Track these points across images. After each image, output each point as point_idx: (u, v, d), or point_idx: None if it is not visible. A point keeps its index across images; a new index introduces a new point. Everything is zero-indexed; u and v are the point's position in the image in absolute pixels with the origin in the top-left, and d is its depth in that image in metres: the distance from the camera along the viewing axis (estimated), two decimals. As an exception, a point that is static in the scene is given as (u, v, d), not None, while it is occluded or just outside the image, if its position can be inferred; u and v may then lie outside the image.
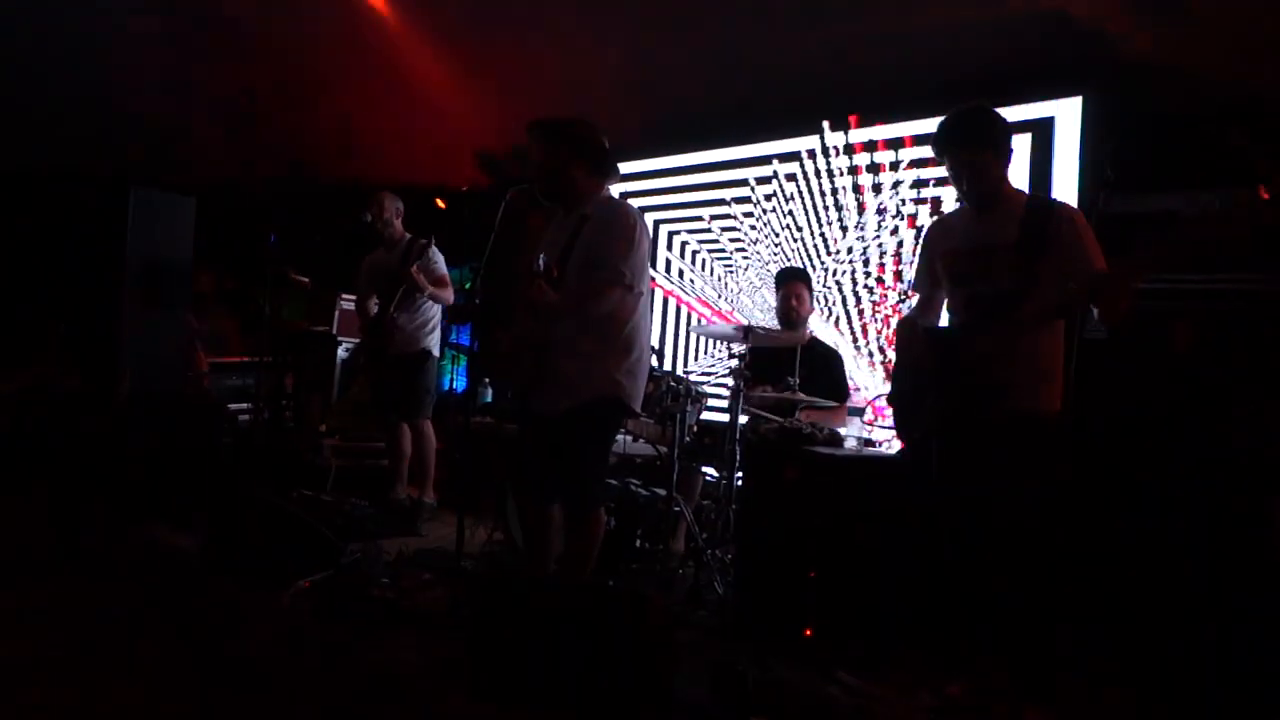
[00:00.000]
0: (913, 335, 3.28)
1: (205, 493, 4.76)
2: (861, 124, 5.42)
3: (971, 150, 2.98)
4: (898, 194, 5.22)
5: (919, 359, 3.18)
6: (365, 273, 5.50)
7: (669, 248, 6.52)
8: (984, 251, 3.00)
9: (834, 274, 5.48)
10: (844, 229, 5.47)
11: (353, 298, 6.85)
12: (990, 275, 2.98)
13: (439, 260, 5.25)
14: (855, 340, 5.35)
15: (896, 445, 4.51)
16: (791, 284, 4.75)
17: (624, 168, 6.55)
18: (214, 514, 4.17)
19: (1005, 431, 2.90)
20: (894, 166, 5.24)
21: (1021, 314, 2.86)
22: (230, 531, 4.05)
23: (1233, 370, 3.29)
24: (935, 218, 3.32)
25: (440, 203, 5.67)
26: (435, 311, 5.34)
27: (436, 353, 5.39)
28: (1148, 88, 4.30)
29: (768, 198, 5.89)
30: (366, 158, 7.75)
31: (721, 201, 6.19)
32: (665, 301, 6.49)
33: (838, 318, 5.45)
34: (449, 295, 5.23)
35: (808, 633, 3.45)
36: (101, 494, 4.88)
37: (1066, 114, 4.30)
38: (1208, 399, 3.29)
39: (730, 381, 4.23)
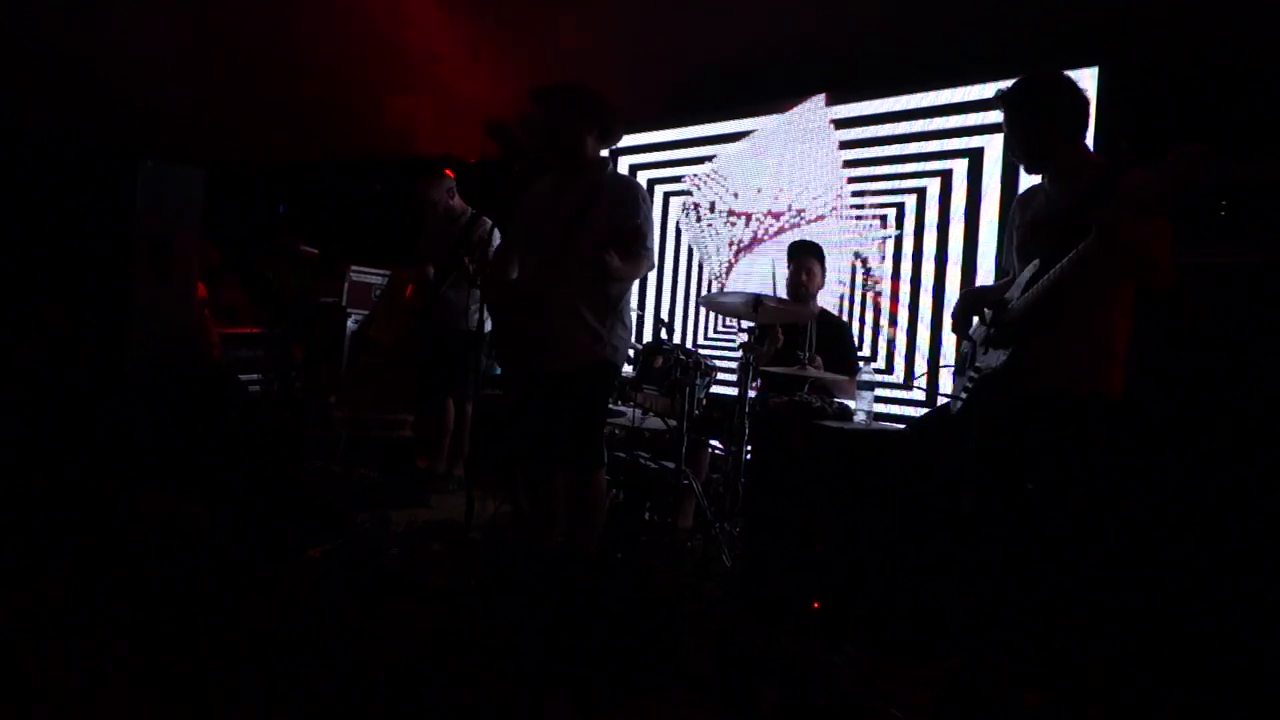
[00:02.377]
0: (967, 303, 3.26)
1: (216, 463, 4.78)
2: (873, 96, 5.39)
3: (1022, 116, 2.96)
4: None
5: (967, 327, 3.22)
6: (423, 241, 5.47)
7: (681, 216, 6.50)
8: (1046, 222, 2.94)
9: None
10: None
11: (362, 269, 6.86)
12: (1041, 247, 2.91)
13: (495, 241, 5.16)
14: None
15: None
16: (802, 258, 4.71)
17: (642, 139, 6.58)
18: (224, 484, 4.19)
19: (1038, 409, 2.85)
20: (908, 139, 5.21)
21: (1041, 286, 2.82)
22: (241, 502, 4.07)
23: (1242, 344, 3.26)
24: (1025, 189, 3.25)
25: (448, 173, 5.65)
26: None
27: (485, 330, 5.32)
28: (1166, 57, 4.24)
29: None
30: (375, 128, 7.72)
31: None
32: (675, 273, 6.49)
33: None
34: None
35: (815, 605, 3.46)
36: (112, 464, 4.90)
37: (1083, 84, 4.23)
38: (1217, 376, 3.26)
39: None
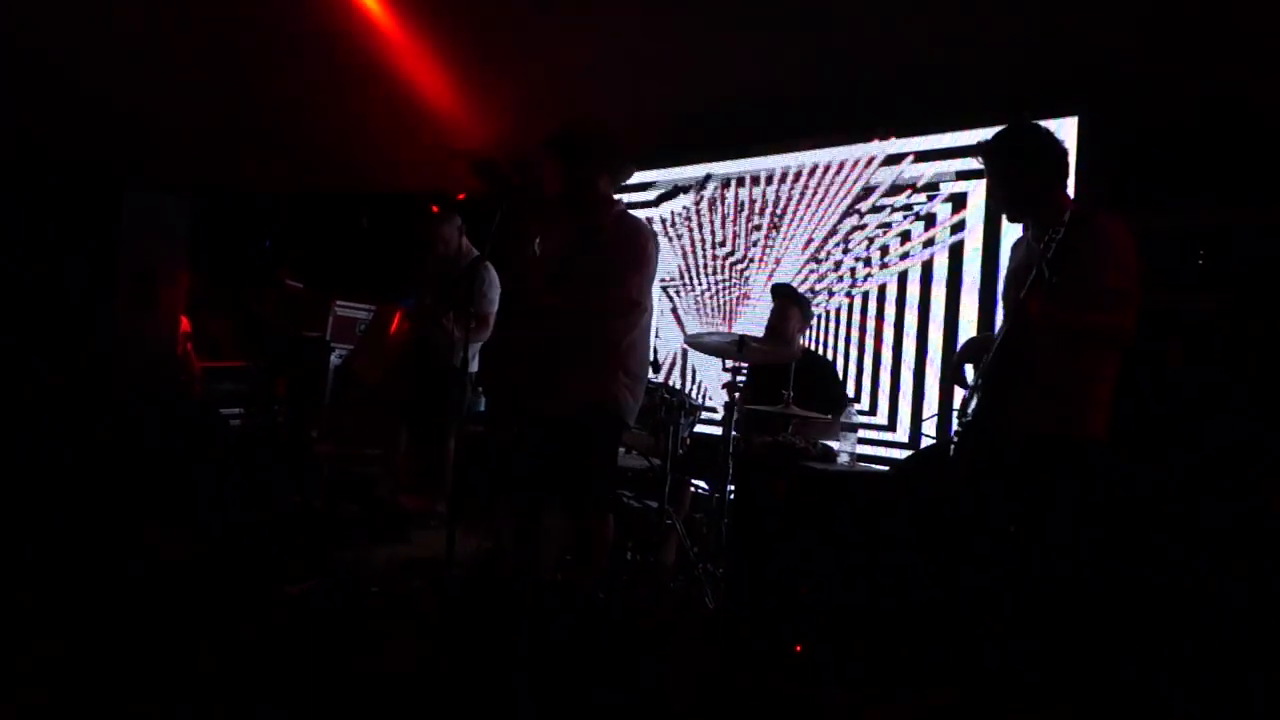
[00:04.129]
0: (963, 351, 3.31)
1: (197, 496, 4.73)
2: (850, 142, 5.47)
3: (1000, 166, 3.04)
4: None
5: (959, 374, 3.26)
6: (428, 273, 5.37)
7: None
8: (1022, 270, 2.98)
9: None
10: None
11: (347, 303, 6.85)
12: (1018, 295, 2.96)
13: (490, 292, 5.09)
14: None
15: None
16: (780, 300, 4.75)
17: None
18: (205, 518, 4.15)
19: (1011, 452, 2.89)
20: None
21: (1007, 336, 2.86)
22: (221, 536, 4.04)
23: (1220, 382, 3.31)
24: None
25: (435, 208, 5.67)
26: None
27: (474, 368, 5.22)
28: (1144, 106, 4.33)
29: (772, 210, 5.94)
30: (363, 163, 7.74)
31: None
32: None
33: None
34: (484, 335, 5.09)
35: (798, 649, 3.44)
36: (93, 497, 4.84)
37: (1062, 134, 4.30)
38: (1198, 411, 3.30)
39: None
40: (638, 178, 6.60)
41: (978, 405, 3.01)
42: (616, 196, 3.54)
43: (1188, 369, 3.41)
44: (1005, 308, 3.20)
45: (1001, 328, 3.00)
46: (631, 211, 3.57)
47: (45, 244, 5.68)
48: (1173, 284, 3.41)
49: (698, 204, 6.34)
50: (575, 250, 3.33)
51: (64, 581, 3.64)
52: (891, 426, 5.15)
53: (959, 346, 3.42)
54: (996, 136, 3.06)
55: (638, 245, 3.35)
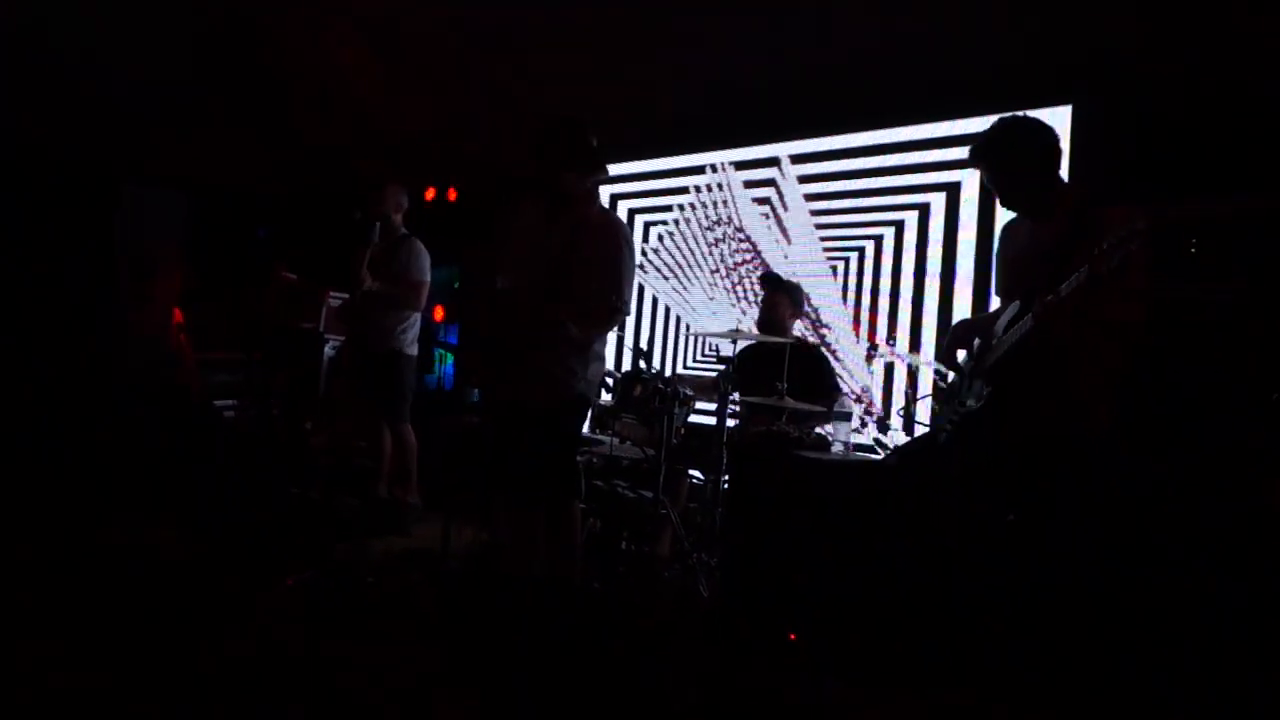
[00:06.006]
0: (955, 336, 3.30)
1: (192, 489, 4.73)
2: (850, 130, 5.45)
3: (992, 165, 3.02)
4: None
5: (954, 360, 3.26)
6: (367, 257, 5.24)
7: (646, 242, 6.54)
8: (1027, 261, 2.97)
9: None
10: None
11: (340, 295, 6.82)
12: (1021, 287, 2.93)
13: (417, 261, 5.07)
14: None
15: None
16: (769, 292, 4.76)
17: (627, 168, 6.62)
18: (200, 511, 4.15)
19: (1018, 447, 2.89)
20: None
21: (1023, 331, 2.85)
22: (217, 529, 4.05)
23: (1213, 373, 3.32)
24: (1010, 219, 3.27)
25: (429, 193, 5.63)
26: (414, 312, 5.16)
27: (412, 352, 5.18)
28: (1138, 94, 4.32)
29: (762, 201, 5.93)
30: (357, 155, 7.72)
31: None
32: (655, 301, 6.51)
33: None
34: (415, 301, 5.06)
35: (792, 637, 3.46)
36: (88, 489, 4.85)
37: (1056, 122, 4.29)
38: (1198, 410, 3.31)
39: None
40: (634, 167, 6.61)
41: (984, 403, 2.98)
42: (591, 183, 3.55)
43: (1187, 366, 3.41)
44: (1003, 295, 3.17)
45: (1010, 319, 2.96)
46: (606, 207, 3.64)
47: (43, 242, 5.67)
48: (1169, 278, 3.41)
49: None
50: (567, 252, 3.35)
51: (64, 581, 3.65)
52: (886, 414, 5.17)
53: (950, 330, 3.41)
54: (984, 135, 3.04)
55: (624, 250, 3.43)
